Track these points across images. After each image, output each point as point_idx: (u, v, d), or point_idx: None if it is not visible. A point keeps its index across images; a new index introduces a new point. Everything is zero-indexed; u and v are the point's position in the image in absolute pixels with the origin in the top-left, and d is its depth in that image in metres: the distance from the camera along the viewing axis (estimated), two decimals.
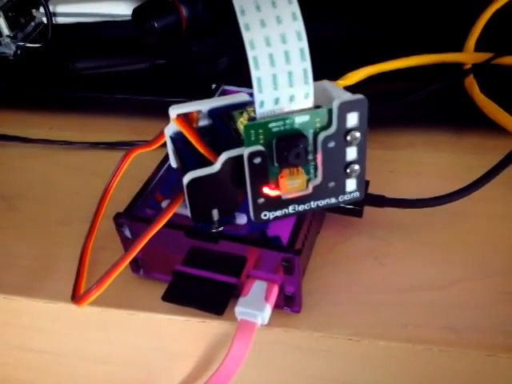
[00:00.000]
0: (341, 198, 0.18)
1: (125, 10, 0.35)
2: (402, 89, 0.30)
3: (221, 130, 0.18)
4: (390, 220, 0.24)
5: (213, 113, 0.19)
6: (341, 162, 0.17)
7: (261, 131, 0.16)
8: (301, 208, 0.18)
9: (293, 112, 0.16)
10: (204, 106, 0.18)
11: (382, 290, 0.22)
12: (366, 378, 0.21)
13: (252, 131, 0.16)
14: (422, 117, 0.30)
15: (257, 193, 0.17)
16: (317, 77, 0.22)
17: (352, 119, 0.17)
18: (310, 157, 0.17)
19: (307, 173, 0.17)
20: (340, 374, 0.21)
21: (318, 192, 0.18)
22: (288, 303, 0.21)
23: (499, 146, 0.27)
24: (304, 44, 0.16)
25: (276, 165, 0.17)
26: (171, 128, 0.19)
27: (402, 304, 0.21)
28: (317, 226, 0.24)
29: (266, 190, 0.17)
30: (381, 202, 0.23)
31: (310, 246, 0.23)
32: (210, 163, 0.17)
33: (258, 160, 0.16)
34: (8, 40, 0.35)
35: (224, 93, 0.27)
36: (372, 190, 0.24)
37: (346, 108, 0.16)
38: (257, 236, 0.21)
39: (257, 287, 0.20)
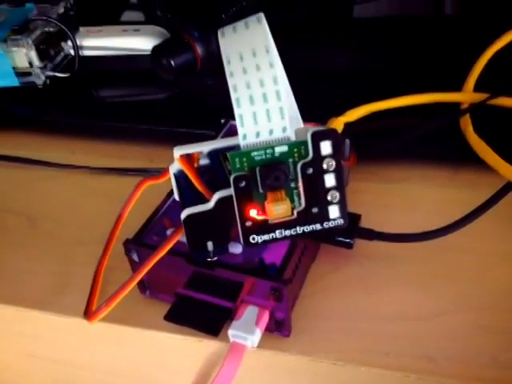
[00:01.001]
0: (326, 225, 0.19)
1: (145, 45, 0.37)
2: (401, 125, 0.32)
3: (217, 170, 0.20)
4: (380, 252, 0.26)
5: (212, 154, 0.21)
6: (321, 189, 0.19)
7: (245, 159, 0.19)
8: (287, 233, 0.19)
9: (273, 143, 0.19)
10: (204, 147, 0.21)
11: (367, 318, 0.23)
12: None
13: (237, 159, 0.18)
14: (419, 152, 0.31)
15: (244, 216, 0.19)
16: (319, 112, 0.23)
17: (325, 148, 0.19)
18: (293, 185, 0.19)
19: (291, 200, 0.19)
20: None
21: (303, 218, 0.19)
22: (278, 328, 0.22)
23: (494, 183, 0.28)
24: (279, 87, 0.18)
25: (261, 191, 0.19)
26: (175, 166, 0.21)
27: (386, 333, 0.22)
28: (311, 255, 0.25)
29: (252, 212, 0.19)
30: (370, 235, 0.25)
31: (303, 274, 0.25)
32: (207, 200, 0.19)
33: (242, 184, 0.18)
34: (38, 70, 0.38)
35: (231, 128, 0.29)
36: (366, 222, 0.25)
37: (318, 137, 0.18)
38: (254, 264, 0.22)
39: (249, 312, 0.22)
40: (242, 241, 0.19)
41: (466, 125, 0.30)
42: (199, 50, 0.34)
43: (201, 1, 0.36)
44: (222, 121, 0.29)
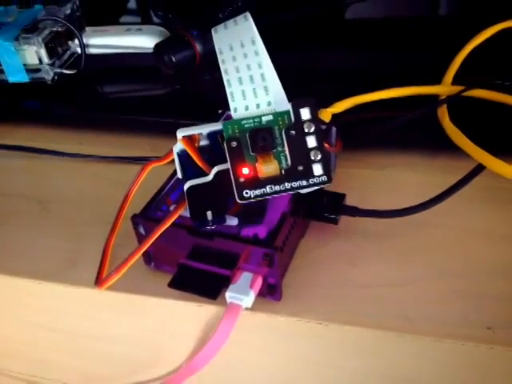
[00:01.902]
0: (311, 181, 0.22)
1: (147, 44, 0.40)
2: (384, 116, 0.34)
3: (216, 149, 0.23)
4: (364, 228, 0.28)
5: (211, 135, 0.23)
6: (304, 149, 0.22)
7: (236, 127, 0.22)
8: (277, 188, 0.21)
9: (260, 114, 0.22)
10: (204, 129, 0.23)
11: (351, 286, 0.26)
12: (332, 356, 0.25)
13: (229, 127, 0.21)
14: (401, 140, 0.34)
15: (237, 174, 0.21)
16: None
17: (305, 114, 0.22)
18: (280, 148, 0.22)
19: (279, 162, 0.22)
20: (312, 353, 0.25)
21: (290, 175, 0.22)
22: (270, 292, 0.25)
23: (468, 166, 0.30)
24: (264, 70, 0.22)
25: (252, 154, 0.21)
26: (178, 146, 0.23)
27: (368, 298, 0.25)
28: (300, 231, 0.28)
29: (245, 171, 0.21)
30: (354, 212, 0.27)
31: (293, 247, 0.27)
32: (206, 175, 0.22)
33: (234, 144, 0.21)
34: (47, 67, 0.40)
35: (228, 117, 0.31)
36: (350, 202, 0.28)
37: (298, 104, 0.22)
38: (248, 237, 0.25)
39: (244, 277, 0.24)
40: (236, 196, 0.21)
41: (443, 115, 0.32)
42: (198, 47, 0.36)
43: (200, 2, 0.39)
44: (220, 111, 0.31)
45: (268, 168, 0.21)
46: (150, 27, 0.41)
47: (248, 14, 0.22)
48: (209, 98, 0.38)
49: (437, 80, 0.36)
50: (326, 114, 0.33)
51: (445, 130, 0.32)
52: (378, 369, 0.25)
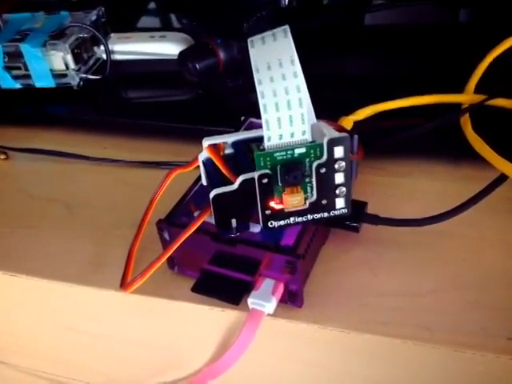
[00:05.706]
0: (332, 213, 0.23)
1: (171, 50, 0.40)
2: (406, 124, 0.35)
3: (241, 157, 0.23)
4: (385, 237, 0.28)
5: (235, 144, 0.24)
6: (331, 185, 0.22)
7: (268, 159, 0.21)
8: (299, 219, 0.22)
9: (293, 145, 0.21)
10: (229, 138, 0.24)
11: (371, 294, 0.26)
12: (352, 364, 0.25)
13: (261, 158, 0.21)
14: (423, 148, 0.34)
15: (265, 206, 0.22)
16: (332, 111, 0.26)
17: (338, 152, 0.21)
18: (307, 179, 0.22)
19: (305, 192, 0.22)
20: (331, 360, 0.26)
21: (314, 207, 0.22)
22: (292, 299, 0.25)
23: (490, 176, 0.30)
24: (302, 95, 0.21)
25: (280, 184, 0.22)
26: (203, 155, 0.24)
27: (386, 306, 0.25)
28: (322, 238, 0.28)
29: (272, 204, 0.22)
30: (375, 220, 0.27)
31: (314, 255, 0.27)
32: (231, 183, 0.22)
33: (265, 180, 0.21)
34: (73, 73, 0.41)
35: (251, 124, 0.32)
36: (372, 210, 0.28)
37: (333, 143, 0.21)
38: (270, 244, 0.25)
39: (266, 284, 0.25)
40: (261, 225, 0.22)
41: (466, 124, 0.32)
42: (222, 55, 0.37)
43: (224, 11, 0.39)
44: (242, 118, 0.32)
45: (294, 200, 0.22)
46: (174, 34, 0.42)
47: (288, 29, 0.21)
48: (231, 104, 0.38)
49: (459, 88, 0.36)
50: (348, 122, 0.33)
51: (467, 139, 0.32)
52: (396, 378, 0.25)
